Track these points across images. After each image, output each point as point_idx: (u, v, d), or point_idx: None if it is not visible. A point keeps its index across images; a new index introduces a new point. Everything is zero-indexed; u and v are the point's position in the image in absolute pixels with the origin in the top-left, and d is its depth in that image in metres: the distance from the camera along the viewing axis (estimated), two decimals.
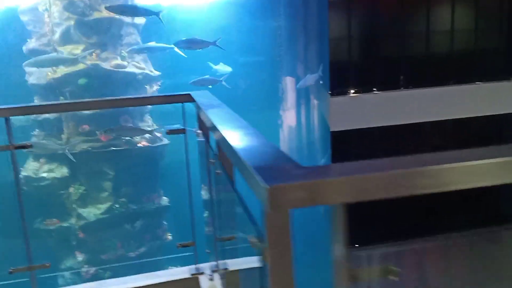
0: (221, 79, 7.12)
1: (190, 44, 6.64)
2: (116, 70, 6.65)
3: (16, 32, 6.96)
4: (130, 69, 6.82)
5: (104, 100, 3.80)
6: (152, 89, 7.29)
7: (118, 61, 6.75)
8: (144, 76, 7.01)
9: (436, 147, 5.12)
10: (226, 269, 2.75)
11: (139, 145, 6.80)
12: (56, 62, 6.35)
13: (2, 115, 3.31)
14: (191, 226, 3.51)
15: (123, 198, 6.73)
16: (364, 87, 5.00)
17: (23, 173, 6.47)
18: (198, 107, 2.62)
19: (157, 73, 7.25)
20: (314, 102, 6.07)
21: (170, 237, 7.10)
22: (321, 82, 5.32)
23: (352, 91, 5.00)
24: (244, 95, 7.82)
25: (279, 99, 7.39)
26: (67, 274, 6.44)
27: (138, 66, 6.99)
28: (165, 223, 7.12)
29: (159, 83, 7.38)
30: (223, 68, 7.87)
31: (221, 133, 1.48)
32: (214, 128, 1.71)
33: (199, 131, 2.91)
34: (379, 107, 5.01)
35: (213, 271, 3.11)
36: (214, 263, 3.12)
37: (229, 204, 2.14)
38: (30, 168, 6.58)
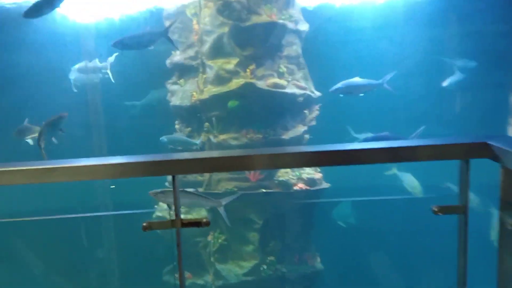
0: (380, 81, 5.32)
1: (131, 41, 4.90)
2: (274, 90, 5.17)
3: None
4: (290, 89, 5.30)
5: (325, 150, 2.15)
6: (312, 115, 5.67)
7: (276, 79, 5.27)
8: (305, 98, 5.43)
9: None
10: None
11: (295, 188, 5.22)
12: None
13: (167, 172, 2.04)
14: None
15: (271, 256, 5.19)
16: None
17: (156, 213, 5.32)
18: None
19: (318, 93, 5.62)
20: None
21: None
22: None
23: None
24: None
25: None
26: None
27: (299, 85, 5.43)
28: None
29: (317, 107, 5.74)
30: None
31: None
32: None
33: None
34: None
35: None
36: None
37: None
38: (164, 205, 5.41)
